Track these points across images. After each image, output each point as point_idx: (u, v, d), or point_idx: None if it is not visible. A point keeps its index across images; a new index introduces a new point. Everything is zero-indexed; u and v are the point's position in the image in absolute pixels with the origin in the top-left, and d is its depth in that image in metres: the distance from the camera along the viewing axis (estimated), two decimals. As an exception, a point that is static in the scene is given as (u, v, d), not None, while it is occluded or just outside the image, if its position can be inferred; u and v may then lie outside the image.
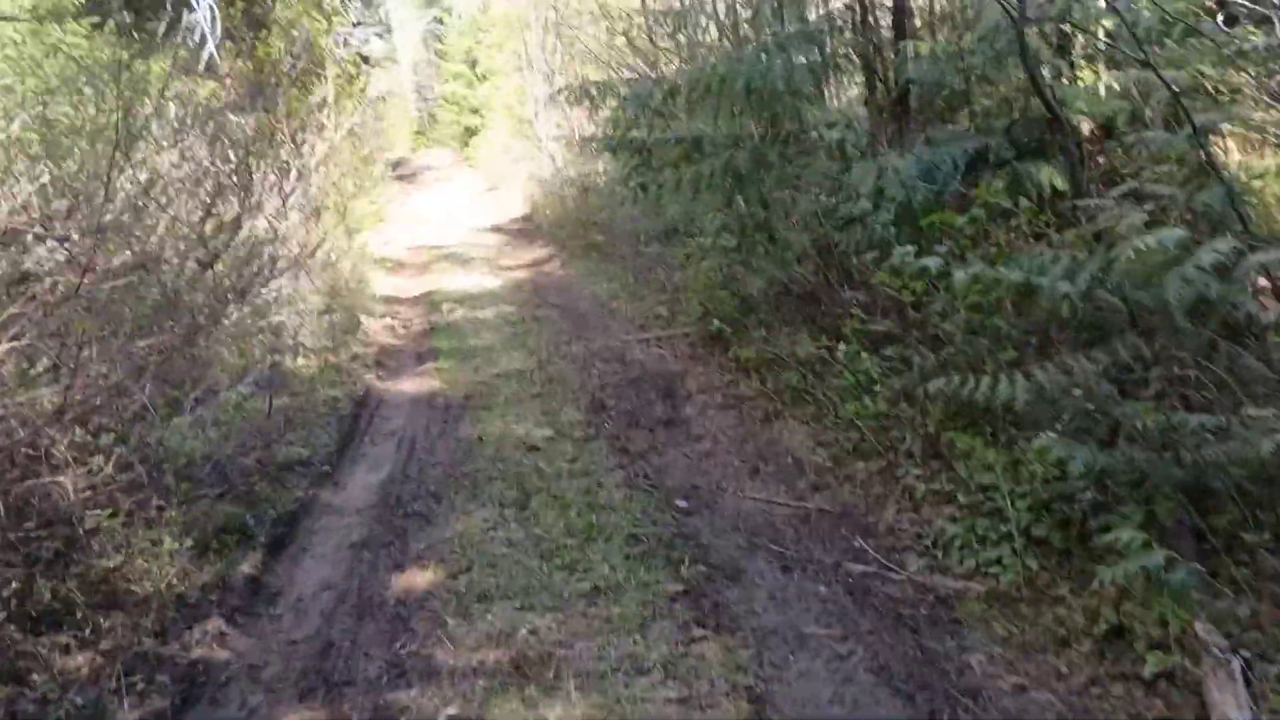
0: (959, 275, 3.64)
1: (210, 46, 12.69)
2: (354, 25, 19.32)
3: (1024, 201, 4.56)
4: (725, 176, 6.66)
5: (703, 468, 5.64)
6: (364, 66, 19.70)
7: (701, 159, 7.00)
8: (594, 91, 7.30)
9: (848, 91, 9.23)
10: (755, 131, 7.08)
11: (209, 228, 6.36)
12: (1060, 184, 5.20)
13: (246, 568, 4.58)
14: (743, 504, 5.04)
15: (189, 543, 4.52)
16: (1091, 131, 5.33)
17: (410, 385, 8.28)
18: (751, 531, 4.64)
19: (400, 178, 27.06)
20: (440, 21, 36.69)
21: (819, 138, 6.28)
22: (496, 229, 18.23)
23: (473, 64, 30.62)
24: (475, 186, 24.89)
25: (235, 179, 7.08)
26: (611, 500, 5.12)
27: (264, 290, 8.10)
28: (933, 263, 3.84)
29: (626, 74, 12.47)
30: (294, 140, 13.63)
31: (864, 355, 5.75)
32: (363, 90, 18.03)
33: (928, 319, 4.73)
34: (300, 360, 8.42)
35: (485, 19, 27.74)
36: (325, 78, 15.98)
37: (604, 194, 13.02)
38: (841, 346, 5.94)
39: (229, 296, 6.95)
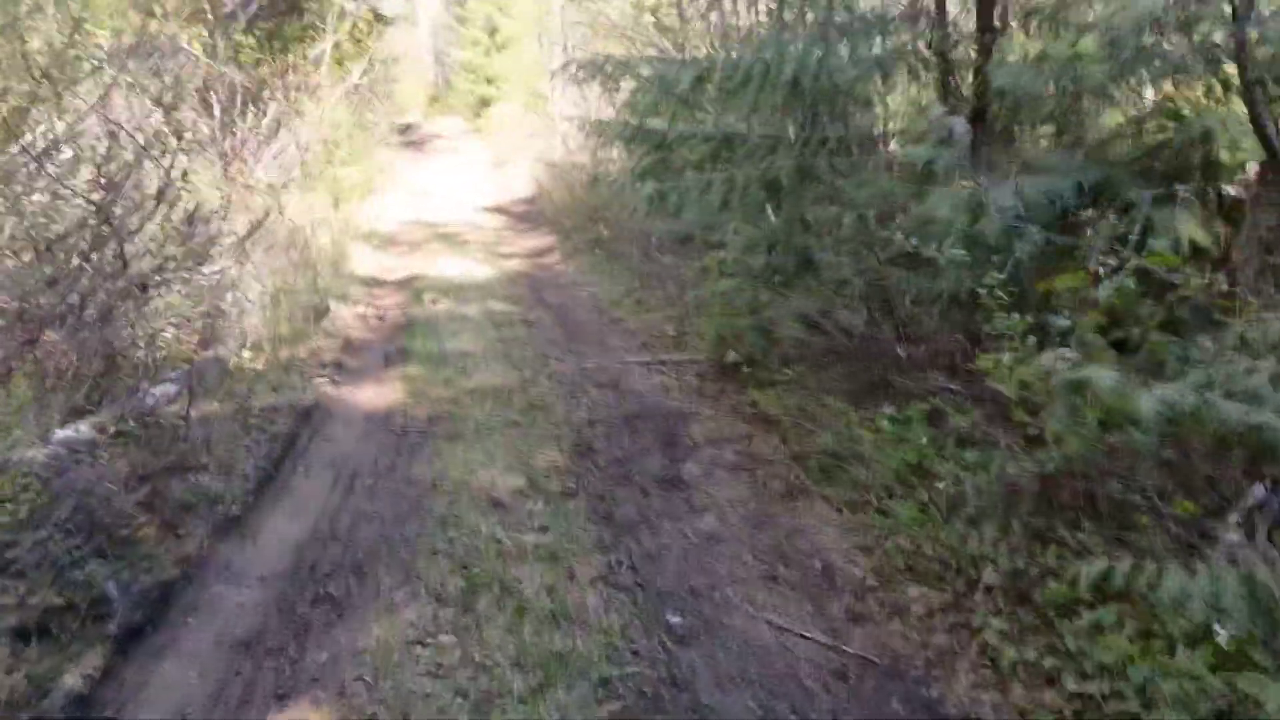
0: (1146, 400, 2.39)
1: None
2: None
3: (1194, 279, 3.29)
4: (761, 186, 5.42)
5: (704, 561, 4.41)
6: (377, 25, 18.43)
7: (732, 162, 5.76)
8: (609, 68, 6.03)
9: (900, 96, 7.99)
10: (798, 135, 5.84)
11: (112, 196, 5.13)
12: (1202, 240, 3.98)
13: (76, 676, 3.36)
14: (756, 629, 3.81)
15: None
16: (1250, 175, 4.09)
17: (369, 396, 7.05)
18: (768, 687, 3.40)
19: (408, 144, 25.79)
20: (462, -17, 35.23)
21: (894, 150, 5.02)
22: (498, 209, 16.97)
23: (492, 32, 29.25)
24: (482, 160, 23.57)
25: (165, 136, 5.84)
26: (583, 606, 3.89)
27: (204, 272, 6.89)
28: (1107, 379, 2.57)
29: (651, 54, 11.24)
30: (285, 96, 12.43)
31: (917, 427, 4.57)
32: (369, 50, 16.79)
33: (1026, 419, 3.48)
34: (246, 354, 7.21)
35: (508, -16, 26.48)
36: (325, 31, 14.75)
37: (615, 186, 11.77)
38: (889, 412, 4.76)
39: (148, 280, 5.74)
